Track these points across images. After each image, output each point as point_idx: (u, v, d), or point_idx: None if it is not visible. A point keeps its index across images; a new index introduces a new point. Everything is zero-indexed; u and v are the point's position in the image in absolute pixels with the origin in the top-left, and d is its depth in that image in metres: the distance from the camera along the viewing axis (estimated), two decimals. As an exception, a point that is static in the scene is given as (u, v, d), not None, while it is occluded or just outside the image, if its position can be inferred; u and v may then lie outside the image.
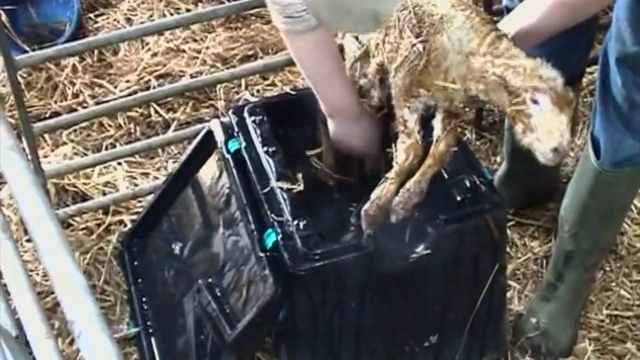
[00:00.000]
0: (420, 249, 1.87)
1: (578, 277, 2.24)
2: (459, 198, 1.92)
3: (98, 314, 1.00)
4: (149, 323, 2.21)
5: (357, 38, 1.99)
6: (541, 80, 1.66)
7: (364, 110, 1.98)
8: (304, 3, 1.74)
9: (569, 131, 1.66)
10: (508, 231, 2.30)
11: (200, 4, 3.06)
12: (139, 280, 2.30)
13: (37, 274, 2.36)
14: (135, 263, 2.34)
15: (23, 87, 2.82)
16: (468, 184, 1.93)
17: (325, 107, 1.97)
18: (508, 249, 2.34)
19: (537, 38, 1.83)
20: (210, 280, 2.04)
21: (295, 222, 1.88)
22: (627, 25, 1.85)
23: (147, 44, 2.95)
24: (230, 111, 2.17)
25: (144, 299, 2.26)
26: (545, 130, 1.65)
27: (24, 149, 2.37)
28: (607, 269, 2.45)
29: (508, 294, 2.23)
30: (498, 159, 2.62)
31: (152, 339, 2.17)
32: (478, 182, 1.94)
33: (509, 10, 2.24)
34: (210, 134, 2.18)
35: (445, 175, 1.97)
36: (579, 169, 2.17)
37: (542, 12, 1.79)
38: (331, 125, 1.99)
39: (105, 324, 1.00)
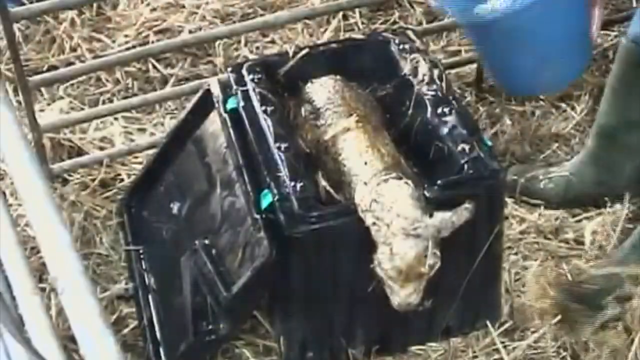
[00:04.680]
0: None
1: None
2: (457, 164, 1.90)
3: (82, 270, 0.98)
4: (146, 282, 2.19)
5: None
6: (391, 256, 1.74)
7: None
8: None
9: (418, 294, 1.78)
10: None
11: (201, -40, 3.01)
12: (137, 239, 2.28)
13: (32, 228, 2.33)
14: (133, 221, 2.32)
15: (21, 40, 2.79)
16: (467, 150, 1.90)
17: None
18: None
19: None
20: (207, 241, 2.02)
21: (292, 183, 1.86)
22: None
23: (147, -2, 2.92)
24: (229, 69, 2.14)
25: (141, 258, 2.24)
26: (390, 290, 1.79)
27: (20, 103, 2.35)
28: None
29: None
30: (499, 125, 2.58)
31: (150, 299, 2.16)
32: (477, 148, 1.91)
33: None
34: (208, 92, 2.15)
35: (445, 141, 1.95)
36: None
37: None
38: None
39: (89, 281, 0.98)
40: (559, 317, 2.09)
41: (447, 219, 1.76)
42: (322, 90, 2.07)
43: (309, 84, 2.10)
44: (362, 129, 1.96)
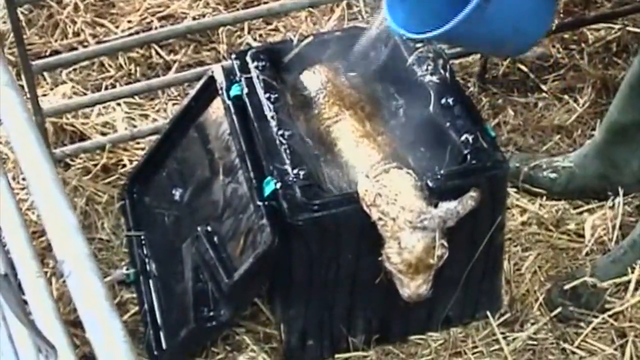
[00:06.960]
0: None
1: None
2: (460, 154, 1.90)
3: (88, 254, 0.98)
4: (148, 269, 2.19)
5: None
6: (400, 250, 1.75)
7: None
8: None
9: (427, 284, 1.80)
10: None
11: (205, -54, 3.00)
12: (139, 225, 2.28)
13: (34, 213, 2.34)
14: (135, 207, 2.32)
15: (24, 24, 2.78)
16: (470, 141, 1.90)
17: None
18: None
19: None
20: (209, 227, 2.02)
21: (295, 171, 1.86)
22: None
23: (151, -16, 2.91)
24: (233, 56, 2.14)
25: (143, 244, 2.24)
26: (399, 283, 1.79)
27: (22, 87, 2.35)
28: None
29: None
30: (501, 116, 2.58)
31: (151, 285, 2.16)
32: (480, 139, 1.91)
33: None
34: (212, 79, 2.15)
35: (448, 131, 1.95)
36: None
37: None
38: None
39: (95, 264, 0.98)
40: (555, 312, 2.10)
41: (452, 209, 1.76)
42: (314, 78, 2.07)
43: (302, 73, 2.09)
44: (354, 117, 1.95)
